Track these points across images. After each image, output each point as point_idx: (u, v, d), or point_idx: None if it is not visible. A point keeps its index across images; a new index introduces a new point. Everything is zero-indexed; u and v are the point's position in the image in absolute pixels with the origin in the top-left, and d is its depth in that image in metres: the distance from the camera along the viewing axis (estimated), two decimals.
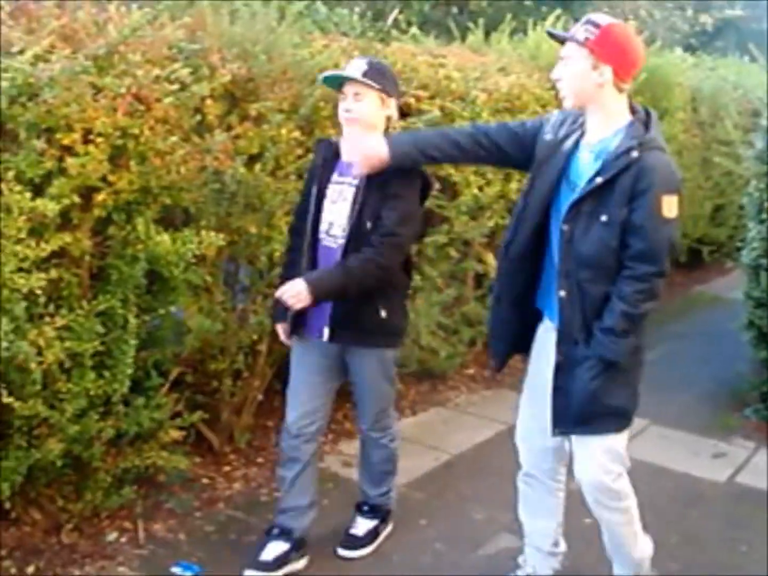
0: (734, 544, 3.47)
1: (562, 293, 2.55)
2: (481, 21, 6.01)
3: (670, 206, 2.43)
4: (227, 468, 3.82)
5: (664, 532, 3.37)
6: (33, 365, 2.79)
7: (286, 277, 2.96)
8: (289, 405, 3.12)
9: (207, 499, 3.57)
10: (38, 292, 2.76)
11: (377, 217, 2.87)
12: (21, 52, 2.73)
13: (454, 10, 12.49)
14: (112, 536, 3.21)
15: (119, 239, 3.05)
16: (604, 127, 2.53)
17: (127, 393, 3.14)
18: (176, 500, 3.50)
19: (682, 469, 4.07)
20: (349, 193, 2.92)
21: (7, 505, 3.01)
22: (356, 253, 2.86)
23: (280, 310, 3.02)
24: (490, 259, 4.91)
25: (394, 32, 6.45)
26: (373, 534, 3.31)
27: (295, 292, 2.80)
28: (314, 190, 2.96)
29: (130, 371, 3.09)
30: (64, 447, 2.96)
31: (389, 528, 3.39)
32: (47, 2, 3.03)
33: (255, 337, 3.66)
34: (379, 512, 3.35)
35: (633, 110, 2.56)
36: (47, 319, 2.85)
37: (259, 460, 3.93)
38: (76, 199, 2.85)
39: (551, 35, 2.70)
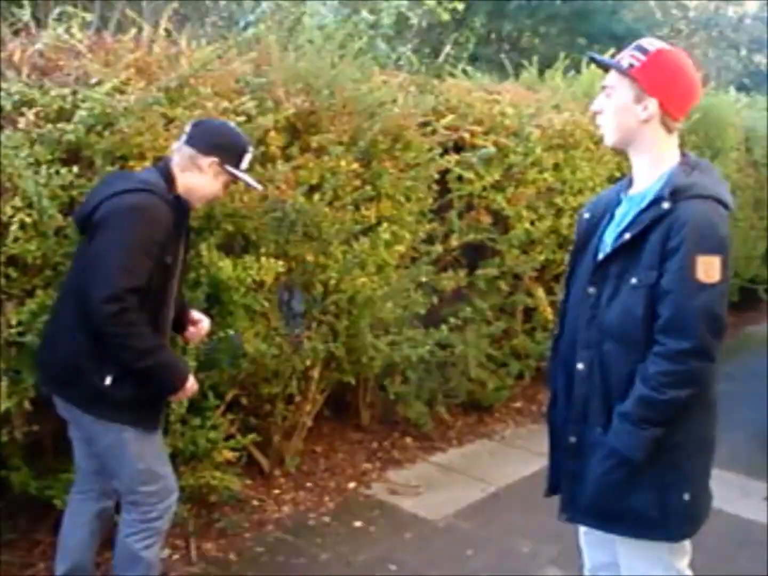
0: None
1: (580, 366, 2.14)
2: (534, 58, 6.10)
3: (707, 269, 1.97)
4: (277, 491, 3.88)
5: (713, 573, 3.34)
6: None
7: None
8: (171, 485, 2.72)
9: (257, 520, 3.64)
10: None
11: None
12: (99, 83, 2.88)
13: (506, 47, 12.66)
14: (165, 553, 3.27)
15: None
16: (649, 173, 2.12)
17: (185, 413, 3.22)
18: (227, 520, 3.57)
19: (732, 510, 4.01)
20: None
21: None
22: None
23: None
24: (540, 293, 4.95)
25: (449, 68, 6.56)
26: None
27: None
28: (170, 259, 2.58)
29: None
30: None
31: None
32: (124, 37, 3.18)
33: (308, 362, 3.73)
34: None
35: (683, 156, 2.15)
36: None
37: (308, 484, 4.00)
38: None
39: (594, 61, 2.38)
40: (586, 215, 2.28)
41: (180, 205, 2.59)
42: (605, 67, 2.20)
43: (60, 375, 2.58)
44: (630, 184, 2.21)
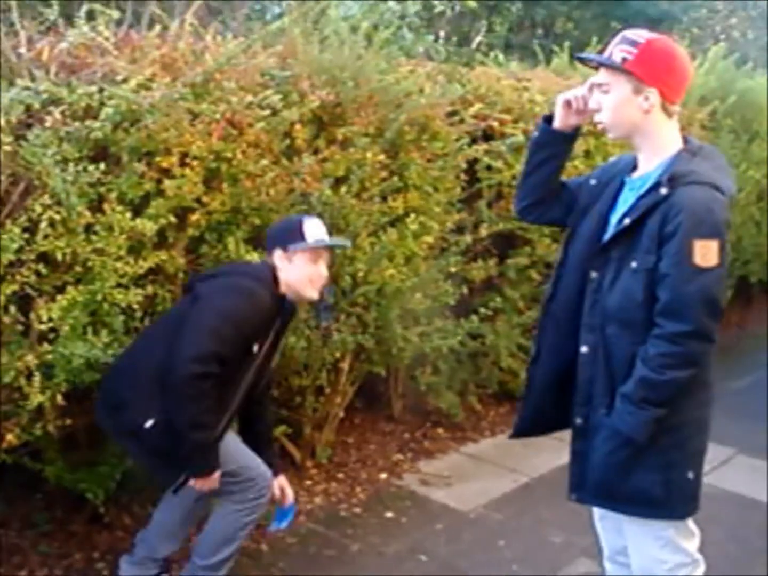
0: None
1: (584, 349, 2.20)
2: (566, 44, 6.02)
3: (704, 253, 2.01)
4: (309, 482, 3.91)
5: (749, 565, 3.30)
6: None
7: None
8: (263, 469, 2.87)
9: None
10: (135, 306, 2.91)
11: None
12: (125, 80, 2.90)
13: (540, 33, 12.53)
14: None
15: (211, 258, 3.19)
16: (652, 159, 2.17)
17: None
18: None
19: (765, 499, 3.96)
20: None
21: (101, 510, 3.16)
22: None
23: None
24: None
25: (479, 56, 6.51)
26: None
27: None
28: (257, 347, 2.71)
29: None
30: None
31: None
32: (149, 33, 3.20)
33: (338, 354, 3.75)
34: None
35: (685, 142, 2.19)
36: None
37: (340, 475, 4.01)
38: (172, 219, 3.00)
39: (581, 60, 2.41)
40: (593, 182, 2.35)
41: (284, 305, 2.75)
42: (596, 66, 2.22)
43: (109, 405, 2.71)
44: (634, 167, 2.25)
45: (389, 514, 3.72)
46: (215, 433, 2.60)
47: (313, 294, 2.81)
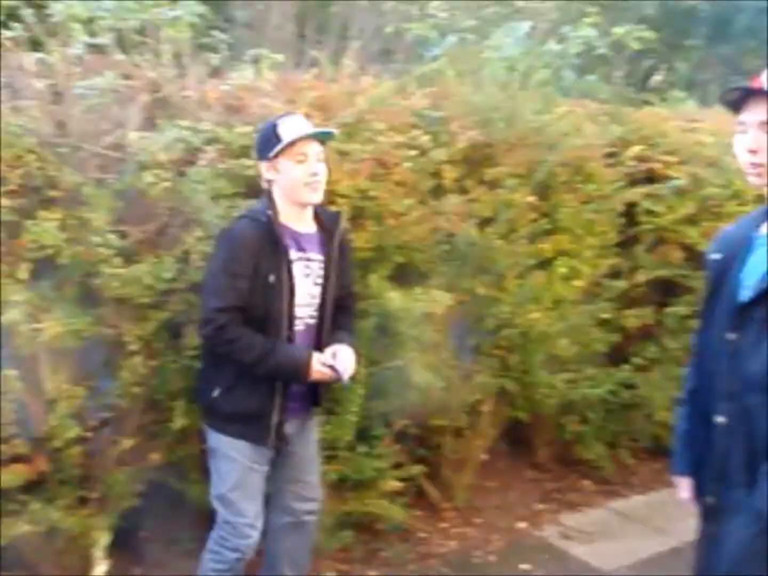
0: None
1: (721, 419, 1.97)
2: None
3: None
4: (444, 524, 3.85)
5: None
6: None
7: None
8: (246, 530, 2.67)
9: (422, 553, 3.62)
10: None
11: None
12: None
13: (725, 70, 11.95)
14: None
15: None
16: None
17: (353, 440, 3.28)
18: (392, 550, 3.58)
19: None
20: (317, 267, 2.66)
21: None
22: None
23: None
24: None
25: (652, 96, 6.29)
26: None
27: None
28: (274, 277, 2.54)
29: (356, 419, 3.24)
30: None
31: None
32: (307, 75, 3.33)
33: (478, 396, 3.69)
34: None
35: None
36: None
37: (477, 520, 3.93)
38: None
39: (726, 99, 2.02)
40: (716, 256, 2.10)
41: (272, 229, 2.53)
42: (738, 102, 1.97)
43: (197, 390, 2.83)
44: (763, 222, 2.03)
45: (525, 566, 3.59)
46: (277, 351, 2.53)
47: (313, 197, 2.56)
